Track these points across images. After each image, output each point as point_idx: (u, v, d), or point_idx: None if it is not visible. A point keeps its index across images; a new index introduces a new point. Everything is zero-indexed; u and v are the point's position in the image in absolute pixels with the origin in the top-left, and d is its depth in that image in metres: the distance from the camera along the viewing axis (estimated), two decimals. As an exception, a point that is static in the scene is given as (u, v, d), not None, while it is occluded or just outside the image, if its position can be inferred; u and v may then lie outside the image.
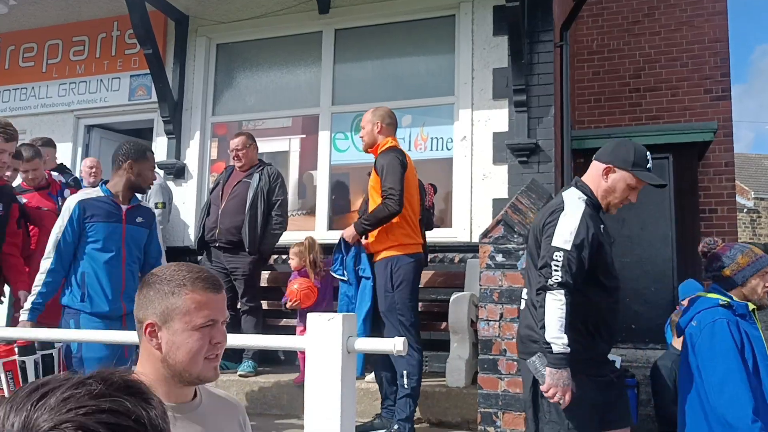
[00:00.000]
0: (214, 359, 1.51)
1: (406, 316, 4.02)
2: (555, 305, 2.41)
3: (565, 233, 2.48)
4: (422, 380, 4.12)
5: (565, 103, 5.98)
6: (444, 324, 4.84)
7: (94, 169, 5.84)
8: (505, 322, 3.73)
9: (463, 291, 4.85)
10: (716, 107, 7.82)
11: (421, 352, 4.08)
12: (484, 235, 3.89)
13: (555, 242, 2.48)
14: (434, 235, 5.19)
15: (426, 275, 5.05)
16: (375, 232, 4.09)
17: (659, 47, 8.13)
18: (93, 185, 5.57)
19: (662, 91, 8.04)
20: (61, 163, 5.76)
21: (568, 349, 2.39)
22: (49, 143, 5.44)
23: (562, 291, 2.41)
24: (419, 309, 4.50)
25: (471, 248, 5.25)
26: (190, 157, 6.59)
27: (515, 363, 3.61)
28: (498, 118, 5.64)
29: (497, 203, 5.42)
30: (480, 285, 3.84)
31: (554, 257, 2.44)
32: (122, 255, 3.53)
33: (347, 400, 1.93)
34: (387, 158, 4.06)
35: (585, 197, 2.64)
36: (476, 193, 5.63)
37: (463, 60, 5.81)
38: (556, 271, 2.43)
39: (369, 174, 4.38)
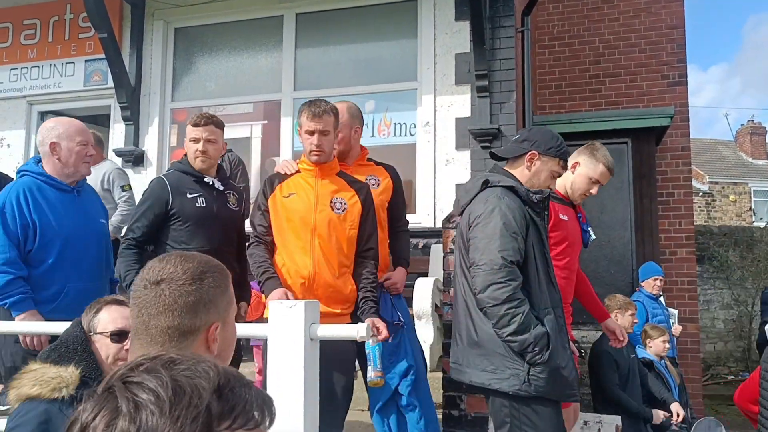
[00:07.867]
0: None
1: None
2: None
3: None
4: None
5: (526, 89, 6.01)
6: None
7: None
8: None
9: (427, 276, 4.87)
10: (673, 93, 7.96)
11: None
12: (448, 220, 3.91)
13: None
14: (398, 221, 5.18)
15: (390, 261, 5.04)
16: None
17: (618, 33, 8.23)
18: None
19: (621, 77, 8.16)
20: None
21: None
22: None
23: None
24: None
25: (435, 233, 5.26)
26: (149, 144, 6.44)
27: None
28: (460, 103, 5.65)
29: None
30: (444, 270, 3.86)
31: None
32: None
33: (310, 388, 1.92)
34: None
35: None
36: (439, 178, 5.64)
37: (425, 45, 5.79)
38: None
39: None
